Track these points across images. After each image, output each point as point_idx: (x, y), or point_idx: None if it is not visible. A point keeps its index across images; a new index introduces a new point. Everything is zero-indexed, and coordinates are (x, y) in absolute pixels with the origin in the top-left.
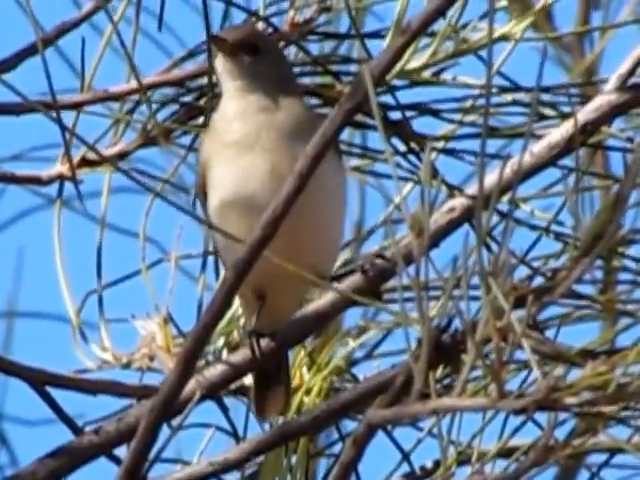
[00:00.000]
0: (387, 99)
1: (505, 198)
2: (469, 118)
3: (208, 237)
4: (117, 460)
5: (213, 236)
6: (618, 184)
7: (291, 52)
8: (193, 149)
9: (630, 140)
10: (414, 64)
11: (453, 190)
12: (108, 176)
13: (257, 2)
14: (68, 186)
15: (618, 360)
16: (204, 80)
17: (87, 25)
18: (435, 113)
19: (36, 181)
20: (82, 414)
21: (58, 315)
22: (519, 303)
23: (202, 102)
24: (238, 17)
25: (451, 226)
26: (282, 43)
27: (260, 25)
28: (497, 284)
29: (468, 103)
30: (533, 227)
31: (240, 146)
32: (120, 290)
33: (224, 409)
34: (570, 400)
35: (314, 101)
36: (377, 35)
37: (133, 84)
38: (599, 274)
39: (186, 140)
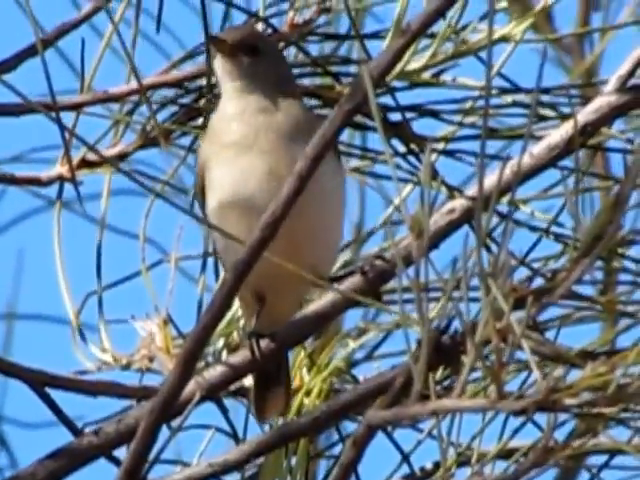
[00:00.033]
0: (387, 100)
1: (505, 199)
2: (469, 119)
3: (208, 238)
4: (117, 461)
5: (212, 237)
6: (618, 185)
7: (291, 53)
8: (192, 150)
9: (630, 141)
10: (414, 65)
11: (453, 191)
12: (108, 177)
13: (257, 3)
14: (68, 188)
15: (618, 361)
16: (203, 81)
17: (87, 26)
18: (435, 114)
19: (36, 182)
20: (82, 415)
21: (58, 317)
22: (519, 304)
23: (201, 103)
24: (238, 18)
25: (451, 227)
26: (282, 44)
27: (260, 26)
28: (497, 285)
29: (468, 104)
30: (533, 228)
31: (238, 147)
32: (120, 291)
33: (224, 410)
34: (570, 401)
35: (314, 102)
36: (377, 36)
37: (133, 85)
38: (599, 275)
39: (185, 141)
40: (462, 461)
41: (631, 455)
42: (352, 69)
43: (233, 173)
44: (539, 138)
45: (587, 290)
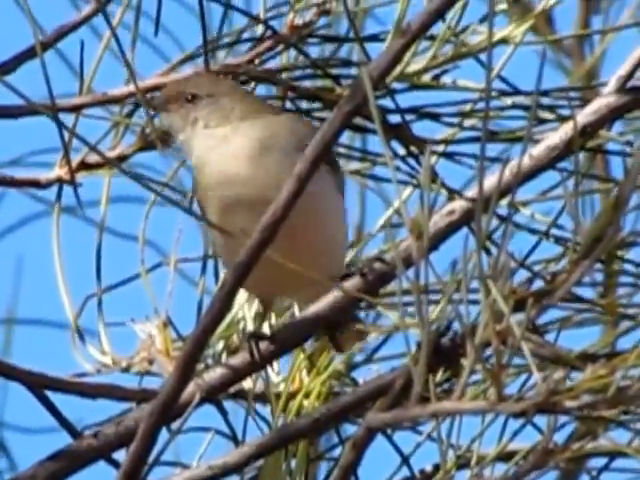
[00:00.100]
0: (386, 102)
1: (505, 201)
2: (469, 122)
3: (207, 240)
4: (116, 464)
5: (213, 240)
6: (618, 187)
7: (291, 55)
8: None
9: (629, 143)
10: (414, 67)
11: (453, 194)
12: (107, 180)
13: (257, 5)
14: (67, 191)
15: (618, 363)
16: None
17: (86, 28)
18: (435, 117)
19: (35, 184)
20: (81, 418)
21: (57, 322)
22: (519, 306)
23: None
24: (237, 20)
25: (451, 229)
26: (281, 46)
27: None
28: (497, 287)
29: (468, 107)
30: (533, 231)
31: (213, 188)
32: (119, 294)
33: (223, 413)
34: (570, 403)
35: (314, 104)
36: (377, 38)
37: (132, 87)
38: (599, 277)
39: None
40: (462, 463)
41: (631, 457)
42: (352, 71)
43: (217, 211)
44: (539, 141)
45: (587, 292)
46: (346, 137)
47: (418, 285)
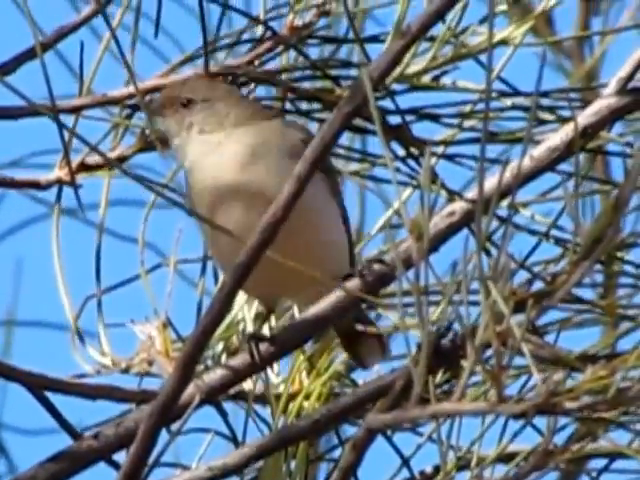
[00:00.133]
0: (386, 103)
1: (505, 203)
2: (469, 123)
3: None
4: (116, 465)
5: (206, 242)
6: (618, 188)
7: (291, 56)
8: None
9: (629, 145)
10: (414, 68)
11: (453, 195)
12: (107, 181)
13: (256, 6)
14: (67, 193)
15: (618, 364)
16: None
17: (86, 29)
18: (434, 118)
19: (35, 186)
20: (81, 419)
21: (57, 323)
22: (519, 308)
23: None
24: (237, 21)
25: (451, 230)
26: (281, 47)
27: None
28: (497, 289)
29: (467, 108)
30: (533, 232)
31: (206, 193)
32: (119, 295)
33: (223, 414)
34: (570, 404)
35: (314, 105)
36: (377, 39)
37: (132, 88)
38: (599, 278)
39: None
40: (462, 465)
41: (631, 458)
42: (352, 72)
43: (209, 216)
44: (539, 142)
45: (587, 293)
46: (346, 138)
47: (418, 286)
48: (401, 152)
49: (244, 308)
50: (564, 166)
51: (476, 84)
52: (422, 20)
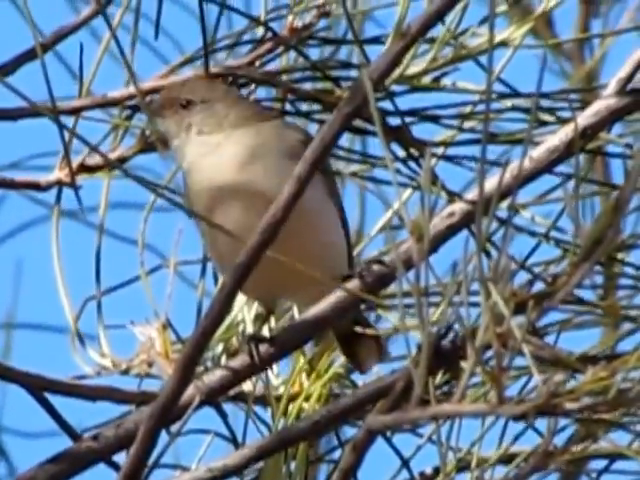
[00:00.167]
0: (386, 105)
1: (504, 204)
2: (469, 124)
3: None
4: (116, 466)
5: (205, 244)
6: (617, 189)
7: (291, 57)
8: None
9: (629, 146)
10: (413, 70)
11: (453, 196)
12: (106, 182)
13: (256, 8)
14: (66, 195)
15: (618, 365)
16: None
17: (85, 31)
18: (434, 119)
19: (34, 187)
20: (81, 421)
21: (57, 326)
22: (519, 309)
23: None
24: (237, 22)
25: (450, 231)
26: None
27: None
28: (497, 290)
29: (467, 109)
30: (532, 233)
31: (204, 194)
32: (119, 296)
33: (223, 415)
34: (571, 405)
35: (314, 106)
36: (377, 41)
37: (132, 89)
38: (599, 279)
39: None
40: (462, 466)
41: (632, 459)
42: (352, 73)
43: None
44: (538, 143)
45: (587, 294)
46: (346, 139)
47: (418, 287)
48: (401, 153)
49: (244, 309)
50: (563, 167)
51: (476, 85)
52: (422, 21)
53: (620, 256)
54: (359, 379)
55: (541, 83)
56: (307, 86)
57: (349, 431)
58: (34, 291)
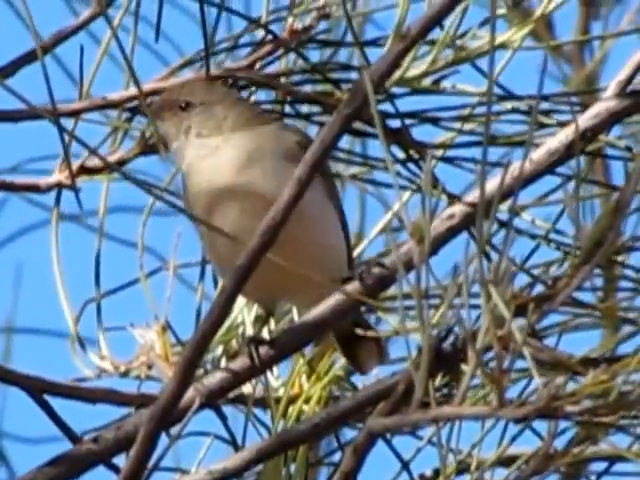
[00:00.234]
0: (386, 107)
1: (504, 206)
2: (469, 126)
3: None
4: (116, 469)
5: (203, 246)
6: (618, 191)
7: (290, 59)
8: None
9: (629, 148)
10: (413, 72)
11: (453, 198)
12: (106, 185)
13: (256, 10)
14: (66, 198)
15: (619, 368)
16: None
17: (84, 34)
18: (435, 121)
19: (35, 189)
20: (80, 423)
21: (56, 330)
22: (519, 311)
23: None
24: (237, 24)
25: (451, 233)
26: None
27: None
28: (498, 292)
29: (467, 111)
30: (532, 236)
31: (203, 197)
32: (118, 299)
33: (223, 418)
34: (571, 408)
35: (314, 108)
36: (377, 43)
37: (131, 91)
38: (599, 282)
39: None
40: (462, 468)
41: (632, 461)
42: (352, 76)
43: (209, 220)
44: (538, 145)
45: (587, 297)
46: (345, 141)
47: (419, 289)
48: (401, 155)
49: (244, 311)
50: (563, 169)
51: (476, 87)
52: (422, 23)
53: (620, 258)
54: (359, 381)
55: (542, 85)
56: (307, 88)
57: (349, 433)
58: (34, 294)
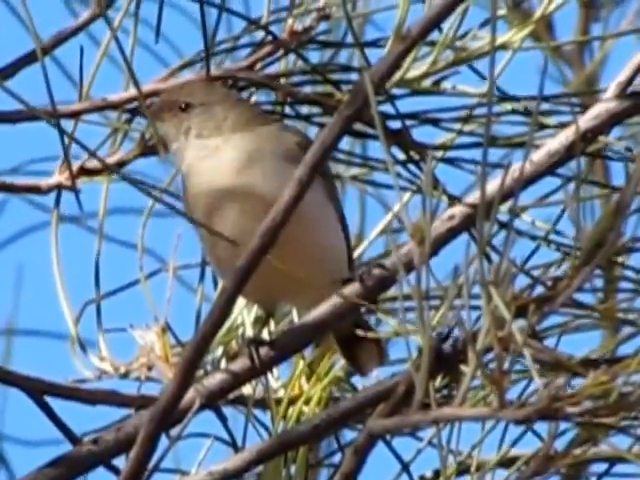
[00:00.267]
0: (387, 108)
1: (504, 207)
2: (469, 127)
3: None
4: (116, 470)
5: (203, 247)
6: (618, 193)
7: (290, 60)
8: None
9: (629, 149)
10: (414, 73)
11: (454, 200)
12: (106, 186)
13: (256, 11)
14: (66, 199)
15: (619, 369)
16: None
17: (84, 34)
18: (435, 122)
19: (35, 190)
20: (80, 424)
21: (56, 332)
22: (520, 312)
23: None
24: (237, 25)
25: (451, 234)
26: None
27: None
28: (498, 293)
29: (468, 112)
30: (533, 237)
31: (203, 198)
32: (118, 300)
33: (223, 419)
34: (572, 409)
35: (314, 109)
36: (377, 44)
37: (131, 92)
38: (599, 283)
39: None
40: (462, 470)
41: (632, 463)
42: (352, 76)
43: (205, 220)
44: (538, 146)
45: (587, 298)
46: (346, 143)
47: (419, 290)
48: (401, 156)
49: (243, 312)
50: (563, 170)
51: (476, 88)
52: (422, 24)
53: (620, 259)
54: (359, 382)
55: (543, 86)
56: (307, 89)
57: (349, 435)
58: (34, 295)
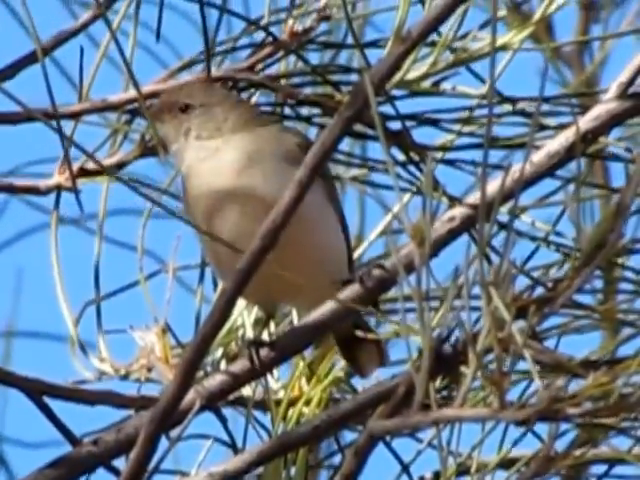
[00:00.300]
0: (387, 109)
1: (504, 208)
2: (469, 128)
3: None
4: (116, 471)
5: (203, 249)
6: (618, 194)
7: (291, 61)
8: None
9: (629, 150)
10: (414, 74)
11: (454, 201)
12: (105, 187)
13: (256, 12)
14: (65, 200)
15: (620, 370)
16: None
17: (83, 35)
18: (435, 123)
19: (34, 191)
20: (80, 425)
21: (56, 334)
22: (520, 313)
23: None
24: (237, 26)
25: (451, 235)
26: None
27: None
28: (498, 294)
29: (468, 113)
30: (533, 238)
31: (203, 199)
32: (118, 301)
33: (223, 420)
34: (572, 410)
35: (314, 111)
36: (377, 45)
37: (131, 93)
38: (599, 284)
39: None
40: (462, 471)
41: (632, 464)
42: (352, 78)
43: (205, 221)
44: (538, 147)
45: (587, 299)
46: (346, 144)
47: (419, 291)
48: (401, 157)
49: (244, 314)
50: (563, 171)
51: (476, 89)
52: (423, 25)
53: (620, 260)
54: (359, 384)
55: (543, 87)
56: (307, 90)
57: (349, 436)
58: (34, 297)
